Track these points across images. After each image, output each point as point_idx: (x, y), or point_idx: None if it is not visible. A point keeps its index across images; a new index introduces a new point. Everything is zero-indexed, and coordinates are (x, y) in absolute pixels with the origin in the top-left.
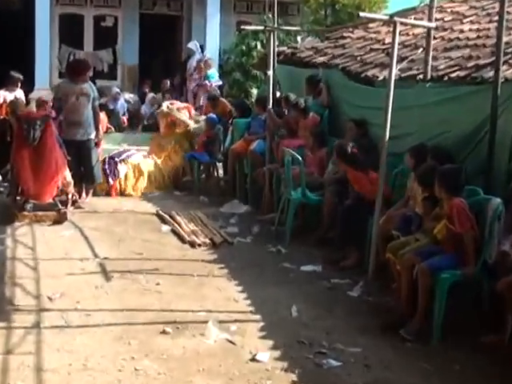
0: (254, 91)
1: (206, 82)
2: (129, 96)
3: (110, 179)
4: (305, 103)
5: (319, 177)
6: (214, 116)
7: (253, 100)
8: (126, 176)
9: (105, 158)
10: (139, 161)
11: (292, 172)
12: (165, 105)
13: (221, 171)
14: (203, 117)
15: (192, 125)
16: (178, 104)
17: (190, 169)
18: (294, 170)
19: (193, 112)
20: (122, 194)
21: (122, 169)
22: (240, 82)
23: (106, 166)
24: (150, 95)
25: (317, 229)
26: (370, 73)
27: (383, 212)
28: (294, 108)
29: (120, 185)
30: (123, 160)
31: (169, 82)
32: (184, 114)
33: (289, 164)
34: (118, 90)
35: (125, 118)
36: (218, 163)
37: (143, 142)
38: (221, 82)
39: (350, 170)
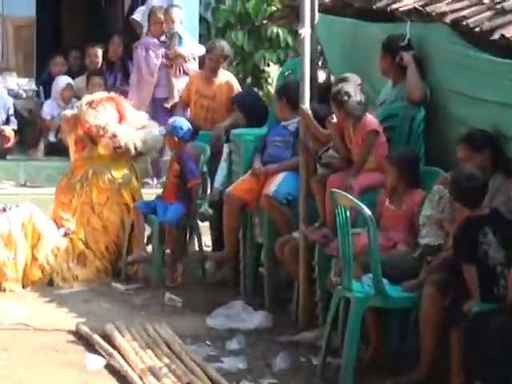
0: (273, 70)
1: (177, 49)
2: (18, 83)
3: None
4: (365, 96)
5: (408, 251)
6: (184, 123)
7: (270, 89)
8: (6, 246)
9: None
10: (35, 218)
11: (354, 242)
12: (83, 101)
13: (207, 238)
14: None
15: (134, 140)
16: (99, 95)
17: (140, 236)
18: (358, 237)
19: (138, 114)
20: None
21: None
22: (243, 52)
23: None
24: (63, 81)
25: (407, 361)
26: None
27: None
28: (335, 103)
29: None
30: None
31: (99, 55)
32: (110, 113)
33: (346, 226)
34: None
35: (9, 129)
36: (200, 222)
37: (48, 180)
38: (202, 50)
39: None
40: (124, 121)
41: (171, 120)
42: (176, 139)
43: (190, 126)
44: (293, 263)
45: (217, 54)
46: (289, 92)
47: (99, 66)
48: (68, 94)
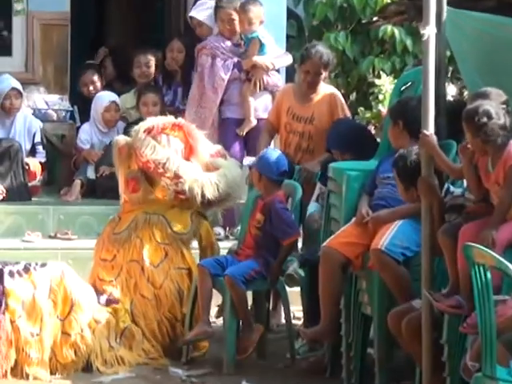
0: (386, 83)
1: (257, 57)
2: (47, 101)
3: None
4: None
5: None
6: (280, 157)
7: (381, 109)
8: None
9: None
10: (68, 281)
11: (497, 313)
12: (140, 126)
13: (297, 309)
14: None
15: (202, 184)
16: (162, 120)
17: (204, 304)
18: (503, 307)
19: (213, 148)
20: (17, 374)
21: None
22: (345, 59)
23: None
24: (105, 97)
25: None
26: None
27: None
28: (469, 127)
29: (11, 345)
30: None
31: (152, 64)
32: (175, 146)
33: (486, 292)
34: (14, 85)
35: (34, 162)
36: (288, 287)
37: (85, 231)
38: (289, 60)
39: None
40: (193, 157)
41: (262, 152)
42: (266, 180)
43: (287, 163)
44: (413, 342)
45: (314, 62)
46: (407, 113)
47: (152, 78)
48: (112, 115)
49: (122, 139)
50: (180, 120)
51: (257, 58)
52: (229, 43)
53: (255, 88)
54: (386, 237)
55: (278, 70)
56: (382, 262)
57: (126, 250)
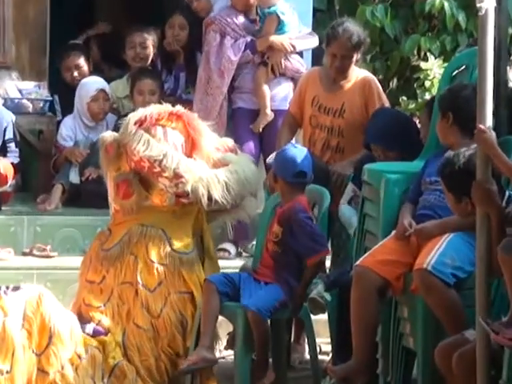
0: (434, 67)
1: (274, 37)
2: (21, 89)
3: None
4: None
5: None
6: (305, 156)
7: (429, 98)
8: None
9: None
10: (46, 307)
11: None
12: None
13: (324, 340)
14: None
15: (208, 183)
16: (157, 109)
17: (207, 325)
18: None
19: (221, 142)
20: None
21: None
22: (384, 38)
23: None
24: (92, 84)
25: None
26: None
27: None
28: None
29: None
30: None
31: (149, 44)
32: (173, 140)
33: None
34: None
35: (5, 163)
36: (312, 314)
37: (67, 246)
38: (315, 41)
39: None
40: (196, 152)
41: (281, 150)
42: (282, 183)
43: (309, 162)
44: (466, 380)
45: (342, 44)
46: (458, 103)
47: (149, 61)
48: (100, 106)
49: (108, 135)
50: (178, 108)
51: (274, 38)
52: (242, 18)
53: (272, 74)
54: (434, 254)
55: (300, 54)
56: (428, 285)
57: (117, 269)
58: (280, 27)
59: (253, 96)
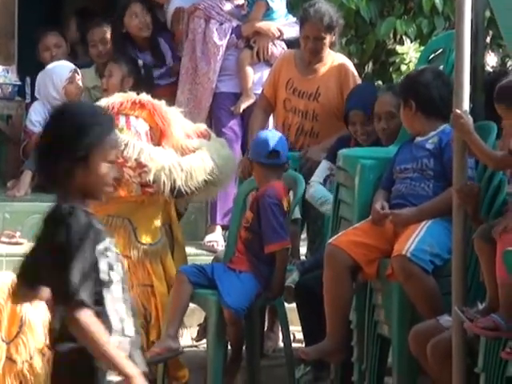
0: (410, 51)
1: (262, 23)
2: None
3: None
4: None
5: None
6: (279, 139)
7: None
8: None
9: None
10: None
11: None
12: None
13: (297, 329)
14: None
15: (171, 171)
16: (119, 98)
17: (174, 315)
18: None
19: (192, 128)
20: None
21: None
22: (359, 20)
23: None
24: (63, 69)
25: None
26: None
27: None
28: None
29: None
30: None
31: (108, 37)
32: (138, 129)
33: None
34: None
35: None
36: (286, 302)
37: None
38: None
39: None
40: (165, 140)
41: (254, 135)
42: (256, 167)
43: (281, 142)
44: (441, 370)
45: (313, 25)
46: (418, 89)
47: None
48: (77, 86)
49: None
50: (142, 96)
51: (261, 24)
52: (229, 5)
53: (257, 58)
54: (413, 241)
55: (288, 43)
56: (407, 272)
57: None
58: (268, 13)
59: (235, 79)
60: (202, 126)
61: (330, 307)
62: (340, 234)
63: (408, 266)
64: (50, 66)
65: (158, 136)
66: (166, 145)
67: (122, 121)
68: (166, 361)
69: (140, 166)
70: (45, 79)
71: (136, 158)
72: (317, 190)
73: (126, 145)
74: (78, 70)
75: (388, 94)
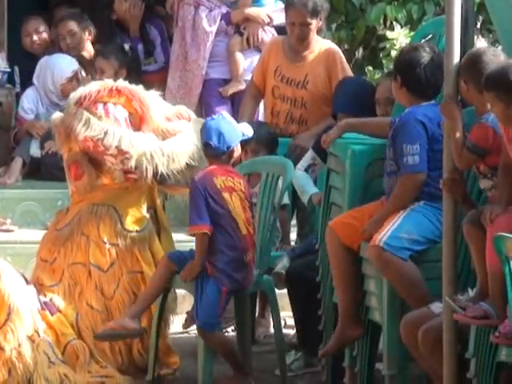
0: (400, 36)
1: (251, 9)
2: None
3: None
4: None
5: None
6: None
7: None
8: None
9: None
10: (5, 281)
11: None
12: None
13: (288, 315)
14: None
15: (152, 156)
16: (96, 86)
17: (147, 299)
18: None
19: (173, 111)
20: None
21: None
22: (349, 6)
23: None
24: (69, 65)
25: None
26: None
27: None
28: (497, 92)
29: None
30: None
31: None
32: (117, 115)
33: None
34: None
35: None
36: (277, 288)
37: (28, 220)
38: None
39: None
40: (145, 125)
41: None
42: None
43: (226, 134)
44: (432, 356)
45: (298, 11)
46: (405, 66)
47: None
48: (74, 86)
49: (56, 117)
50: (119, 83)
51: (250, 10)
52: None
53: (247, 44)
54: (387, 230)
55: (277, 30)
56: (383, 261)
57: (67, 249)
58: (257, 0)
59: (225, 65)
60: (183, 109)
61: (336, 285)
62: (341, 215)
63: (383, 255)
64: (55, 58)
65: (137, 121)
66: (146, 130)
67: (100, 109)
68: (119, 339)
69: (121, 153)
70: (46, 69)
71: (117, 146)
72: (298, 177)
73: (105, 133)
74: (83, 71)
75: (388, 80)
